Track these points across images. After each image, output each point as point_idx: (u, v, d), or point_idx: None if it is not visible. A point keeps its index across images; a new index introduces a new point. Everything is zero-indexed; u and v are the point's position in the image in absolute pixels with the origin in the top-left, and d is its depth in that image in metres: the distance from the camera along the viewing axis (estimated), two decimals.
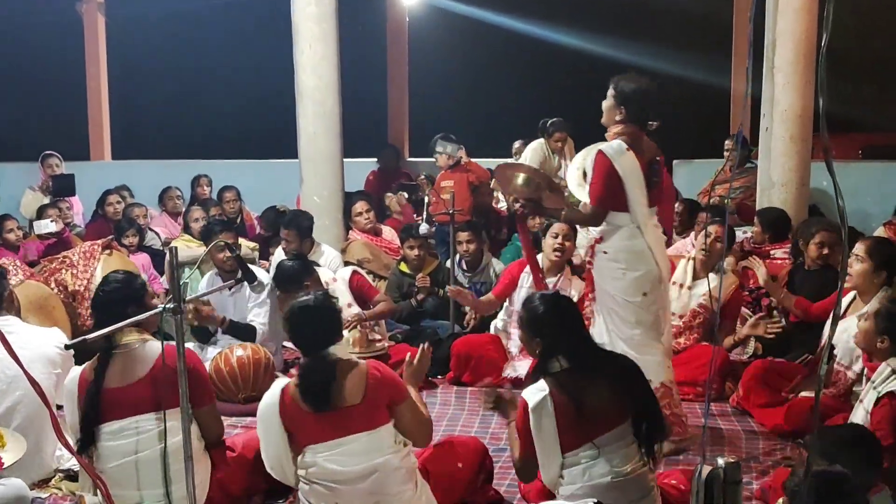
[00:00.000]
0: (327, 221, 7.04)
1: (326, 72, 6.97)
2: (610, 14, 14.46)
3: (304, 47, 6.94)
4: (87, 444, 3.51)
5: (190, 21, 13.70)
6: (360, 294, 5.81)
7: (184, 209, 8.35)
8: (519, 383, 5.10)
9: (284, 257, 5.87)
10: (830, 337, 2.17)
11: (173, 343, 3.08)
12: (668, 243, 6.91)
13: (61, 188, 8.73)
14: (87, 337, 2.96)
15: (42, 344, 4.15)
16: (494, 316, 5.98)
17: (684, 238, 7.06)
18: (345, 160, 7.31)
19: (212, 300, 5.64)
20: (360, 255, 7.10)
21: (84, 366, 3.59)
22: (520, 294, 5.53)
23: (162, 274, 7.08)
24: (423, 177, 8.81)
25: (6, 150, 11.00)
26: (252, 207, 9.14)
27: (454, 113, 13.80)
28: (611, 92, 4.30)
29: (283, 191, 8.92)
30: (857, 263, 4.64)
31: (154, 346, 3.57)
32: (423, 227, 6.90)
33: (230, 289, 5.52)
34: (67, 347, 3.19)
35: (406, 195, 8.91)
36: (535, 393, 3.35)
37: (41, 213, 7.71)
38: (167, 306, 3.02)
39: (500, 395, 3.75)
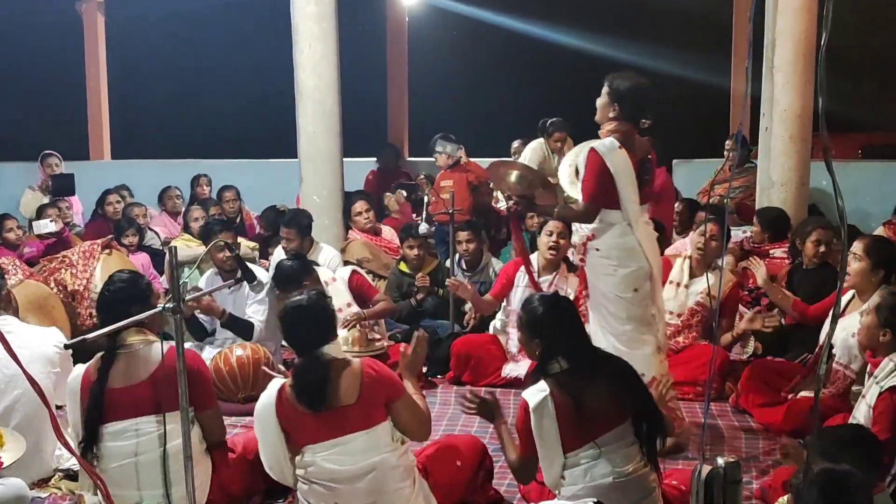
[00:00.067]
0: (327, 221, 7.04)
1: (326, 71, 6.97)
2: (610, 14, 14.45)
3: (304, 47, 6.94)
4: (90, 444, 3.50)
5: (190, 21, 13.70)
6: (360, 294, 5.80)
7: (183, 209, 8.35)
8: (519, 383, 5.10)
9: (284, 257, 5.87)
10: (830, 336, 2.17)
11: None
12: (668, 243, 6.94)
13: (61, 188, 8.73)
14: (86, 336, 2.95)
15: (41, 343, 4.13)
16: (493, 316, 5.99)
17: (684, 237, 7.06)
18: (344, 160, 7.31)
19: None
20: (360, 254, 7.10)
21: (87, 365, 3.59)
22: (516, 293, 5.53)
23: (161, 274, 7.07)
24: (422, 176, 8.82)
25: (6, 149, 10.99)
26: (252, 207, 9.14)
27: (454, 113, 13.80)
28: (605, 89, 4.31)
29: (283, 190, 8.91)
30: (854, 262, 4.63)
31: (157, 348, 3.56)
32: (423, 227, 6.91)
33: (229, 288, 5.52)
34: (66, 347, 3.18)
35: (404, 193, 8.91)
36: (536, 393, 3.36)
37: (41, 212, 7.70)
38: (167, 306, 3.01)
39: (483, 399, 3.73)
